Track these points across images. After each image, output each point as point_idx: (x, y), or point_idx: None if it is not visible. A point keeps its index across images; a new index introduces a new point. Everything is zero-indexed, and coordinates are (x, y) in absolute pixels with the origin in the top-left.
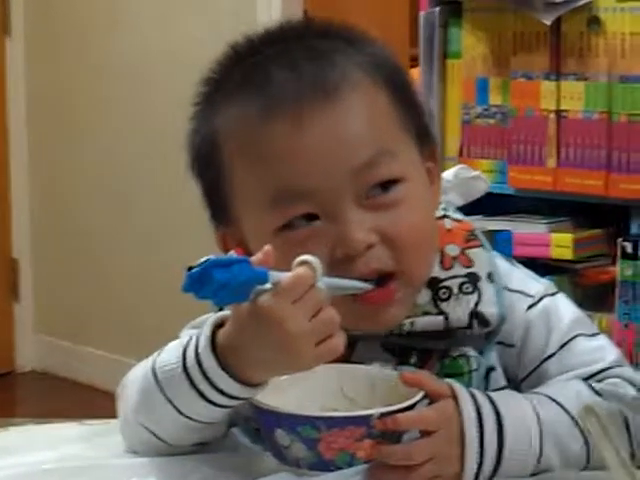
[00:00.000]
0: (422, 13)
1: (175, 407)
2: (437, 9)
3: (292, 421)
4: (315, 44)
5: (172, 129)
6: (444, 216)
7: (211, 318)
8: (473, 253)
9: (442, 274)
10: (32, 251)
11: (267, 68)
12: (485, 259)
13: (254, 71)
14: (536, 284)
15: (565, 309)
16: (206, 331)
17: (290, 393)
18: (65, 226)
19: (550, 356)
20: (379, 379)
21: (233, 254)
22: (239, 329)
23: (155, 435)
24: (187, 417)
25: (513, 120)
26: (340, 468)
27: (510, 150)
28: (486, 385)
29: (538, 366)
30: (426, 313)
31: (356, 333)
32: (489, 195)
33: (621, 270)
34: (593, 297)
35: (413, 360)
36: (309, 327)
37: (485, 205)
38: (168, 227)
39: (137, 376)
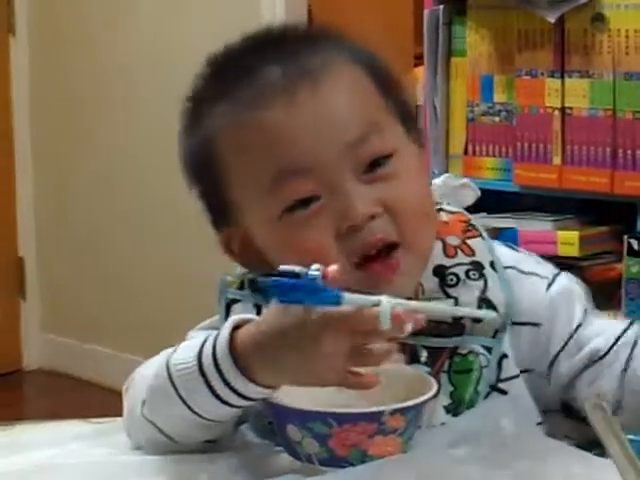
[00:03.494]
0: (426, 11)
1: (187, 405)
2: (441, 7)
3: (303, 417)
4: (296, 40)
5: (177, 129)
6: (439, 209)
7: (230, 320)
8: (473, 243)
9: (447, 262)
10: (38, 249)
11: (251, 64)
12: (485, 249)
13: (238, 68)
14: (543, 266)
15: (575, 285)
16: (225, 332)
17: (302, 388)
18: (71, 224)
19: (579, 325)
20: (392, 375)
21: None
22: (277, 332)
23: (162, 432)
24: (199, 415)
25: (518, 118)
26: (352, 464)
27: (515, 148)
28: (498, 373)
29: (572, 336)
30: (435, 298)
31: None
32: (494, 193)
33: (627, 267)
34: (599, 294)
35: (423, 358)
36: (344, 353)
37: (490, 203)
38: (174, 225)
39: (147, 373)
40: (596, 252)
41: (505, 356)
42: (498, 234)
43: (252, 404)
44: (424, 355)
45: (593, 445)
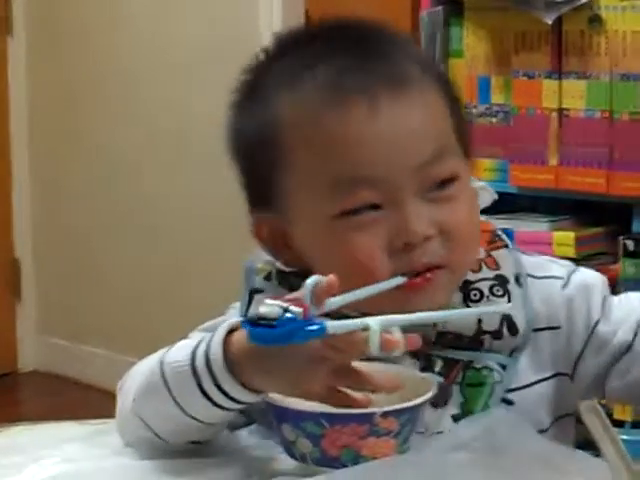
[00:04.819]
0: (424, 12)
1: (179, 405)
2: (439, 8)
3: (296, 416)
4: (377, 41)
5: (174, 129)
6: None
7: (226, 323)
8: (499, 255)
9: (471, 276)
10: (34, 251)
11: (330, 57)
12: (511, 260)
13: (316, 59)
14: (558, 266)
15: (592, 278)
16: (220, 334)
17: None
18: (67, 226)
19: (597, 321)
20: (403, 378)
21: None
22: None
23: (150, 429)
24: (189, 416)
25: (515, 119)
26: (345, 465)
27: (512, 149)
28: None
29: (591, 334)
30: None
31: None
32: None
33: (623, 268)
34: None
35: (438, 367)
36: (331, 371)
37: None
38: (169, 227)
39: (141, 371)
40: (592, 253)
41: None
42: None
43: (242, 407)
44: (439, 365)
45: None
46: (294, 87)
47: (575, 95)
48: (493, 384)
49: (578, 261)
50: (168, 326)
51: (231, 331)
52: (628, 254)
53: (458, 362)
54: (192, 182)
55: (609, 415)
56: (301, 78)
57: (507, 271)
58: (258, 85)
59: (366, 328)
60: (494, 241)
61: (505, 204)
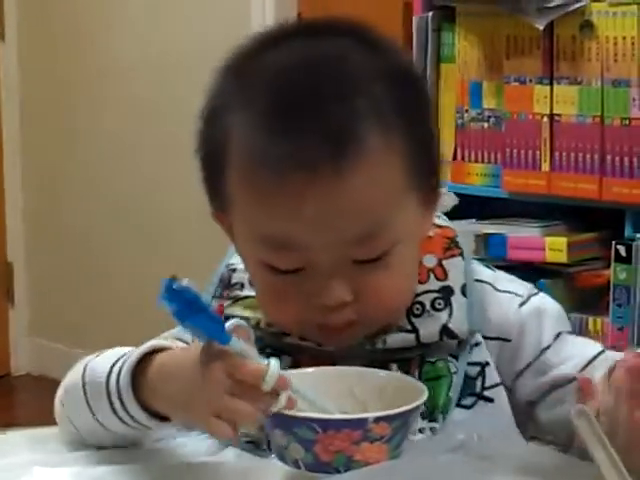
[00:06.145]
0: (415, 18)
1: (94, 415)
2: (430, 14)
3: (288, 422)
4: (331, 80)
5: (168, 131)
6: None
7: (149, 343)
8: (449, 264)
9: (418, 288)
10: (26, 255)
11: (293, 98)
12: (461, 270)
13: (278, 96)
14: (520, 286)
15: (552, 305)
16: (135, 354)
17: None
18: (60, 229)
19: (547, 347)
20: (391, 383)
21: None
22: (175, 365)
23: (77, 429)
24: (102, 425)
25: (507, 124)
26: (338, 470)
27: (504, 154)
28: (483, 381)
29: (538, 357)
30: (399, 328)
31: (335, 353)
32: (483, 199)
33: (615, 273)
34: (587, 300)
35: (394, 370)
36: (217, 401)
37: (479, 209)
38: (164, 230)
39: (77, 367)
40: (584, 258)
41: (487, 364)
42: (487, 240)
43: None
44: (394, 368)
45: None
46: (241, 123)
47: (567, 100)
48: (451, 375)
49: (570, 266)
50: (162, 329)
51: (157, 351)
52: (620, 259)
53: (412, 360)
54: (188, 183)
55: None
56: (248, 115)
57: (454, 281)
58: (220, 97)
59: (265, 365)
60: (450, 248)
61: (497, 209)
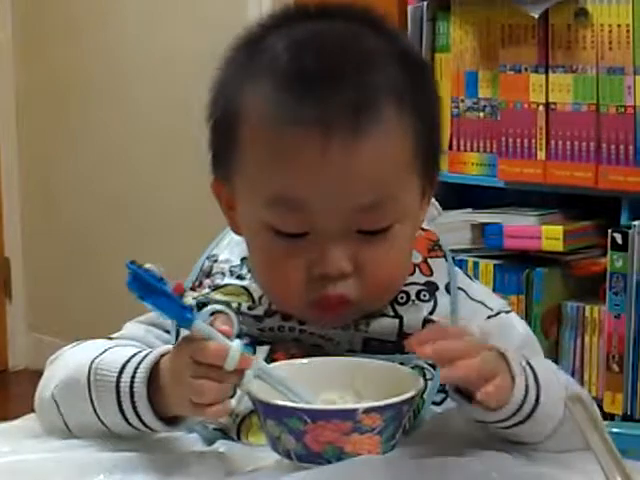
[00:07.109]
0: (410, 7)
1: (96, 411)
2: (425, 3)
3: (279, 412)
4: (348, 52)
5: (163, 127)
6: None
7: (164, 347)
8: (434, 263)
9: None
10: (24, 250)
11: (298, 65)
12: (445, 270)
13: (299, 63)
14: (494, 300)
15: (519, 326)
16: (151, 357)
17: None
18: (57, 224)
19: None
20: (390, 374)
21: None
22: (170, 366)
23: (64, 421)
24: (103, 424)
25: (502, 113)
26: (329, 461)
27: (500, 143)
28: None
29: None
30: (383, 314)
31: (315, 337)
32: (479, 188)
33: (611, 261)
34: (584, 288)
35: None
36: (187, 382)
37: (475, 198)
38: (160, 225)
39: (74, 360)
40: (580, 246)
41: None
42: (483, 229)
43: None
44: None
45: None
46: (259, 87)
47: (562, 89)
48: (426, 381)
49: (567, 254)
50: None
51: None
52: (616, 247)
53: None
54: (184, 179)
55: (599, 407)
56: (267, 80)
57: (439, 279)
58: (234, 66)
59: (227, 346)
60: (433, 250)
61: (494, 198)
